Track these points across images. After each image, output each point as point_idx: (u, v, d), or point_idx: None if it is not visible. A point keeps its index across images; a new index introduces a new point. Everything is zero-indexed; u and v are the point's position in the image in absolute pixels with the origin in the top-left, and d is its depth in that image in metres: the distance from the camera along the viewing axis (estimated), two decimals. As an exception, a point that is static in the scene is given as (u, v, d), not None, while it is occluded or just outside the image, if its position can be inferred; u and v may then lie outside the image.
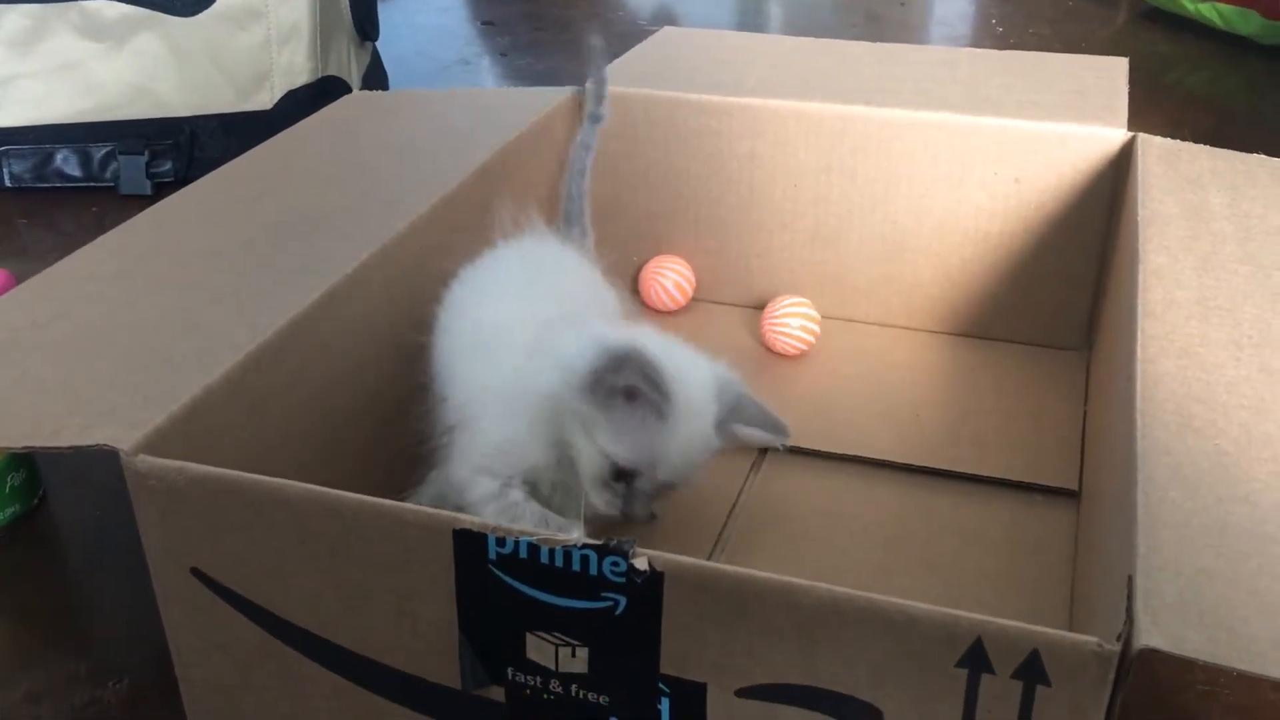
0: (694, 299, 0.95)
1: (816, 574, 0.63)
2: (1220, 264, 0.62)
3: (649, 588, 0.43)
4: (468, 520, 0.45)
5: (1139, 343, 0.55)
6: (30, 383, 0.55)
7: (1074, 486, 0.72)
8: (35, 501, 0.75)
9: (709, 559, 0.67)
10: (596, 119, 0.86)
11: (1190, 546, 0.43)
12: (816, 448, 0.77)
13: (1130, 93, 0.94)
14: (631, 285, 0.94)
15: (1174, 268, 0.62)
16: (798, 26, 1.90)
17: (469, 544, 0.45)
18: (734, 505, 0.72)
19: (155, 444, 0.50)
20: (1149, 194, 0.70)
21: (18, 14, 1.15)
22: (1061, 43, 1.68)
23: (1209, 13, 1.65)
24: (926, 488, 0.74)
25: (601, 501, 0.58)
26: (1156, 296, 0.59)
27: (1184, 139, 0.79)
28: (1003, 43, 1.70)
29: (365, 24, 1.32)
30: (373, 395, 0.68)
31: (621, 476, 0.57)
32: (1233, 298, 0.59)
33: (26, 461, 0.73)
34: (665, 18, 1.89)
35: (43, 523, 0.74)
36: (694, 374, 0.60)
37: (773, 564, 0.66)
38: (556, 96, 0.90)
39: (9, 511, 0.72)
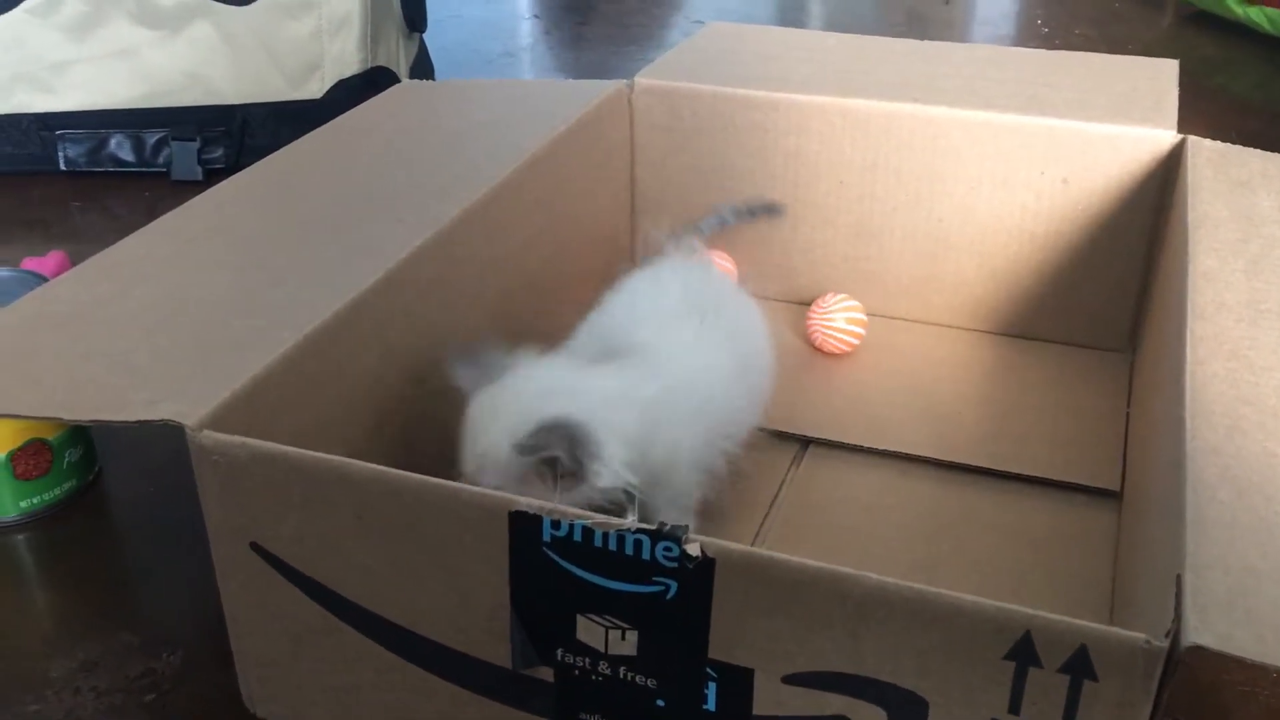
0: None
1: (856, 567, 0.64)
2: (1271, 267, 0.62)
3: (700, 573, 0.44)
4: (524, 502, 0.46)
5: (1188, 344, 0.55)
6: (95, 357, 0.57)
7: (1115, 487, 0.72)
8: (91, 477, 0.76)
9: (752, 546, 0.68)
10: (723, 221, 0.91)
11: (1238, 546, 0.43)
12: (858, 443, 0.77)
13: (1175, 96, 0.94)
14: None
15: (1223, 270, 0.62)
16: (839, 24, 1.90)
17: (524, 526, 0.46)
18: (775, 497, 0.73)
19: (218, 420, 0.51)
20: (1198, 196, 0.70)
21: (76, 0, 1.17)
22: (1107, 44, 1.68)
23: (1257, 16, 1.64)
24: (967, 485, 0.74)
25: None
26: (1206, 299, 0.59)
27: (1229, 143, 0.79)
28: (1047, 43, 1.70)
29: (414, 16, 1.33)
30: (421, 377, 0.69)
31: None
32: (1283, 302, 0.59)
33: (83, 437, 0.75)
34: (709, 14, 1.90)
35: (99, 497, 0.76)
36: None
37: (812, 556, 0.67)
38: (605, 89, 0.90)
39: (67, 486, 0.74)
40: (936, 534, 0.70)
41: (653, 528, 0.44)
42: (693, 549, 0.44)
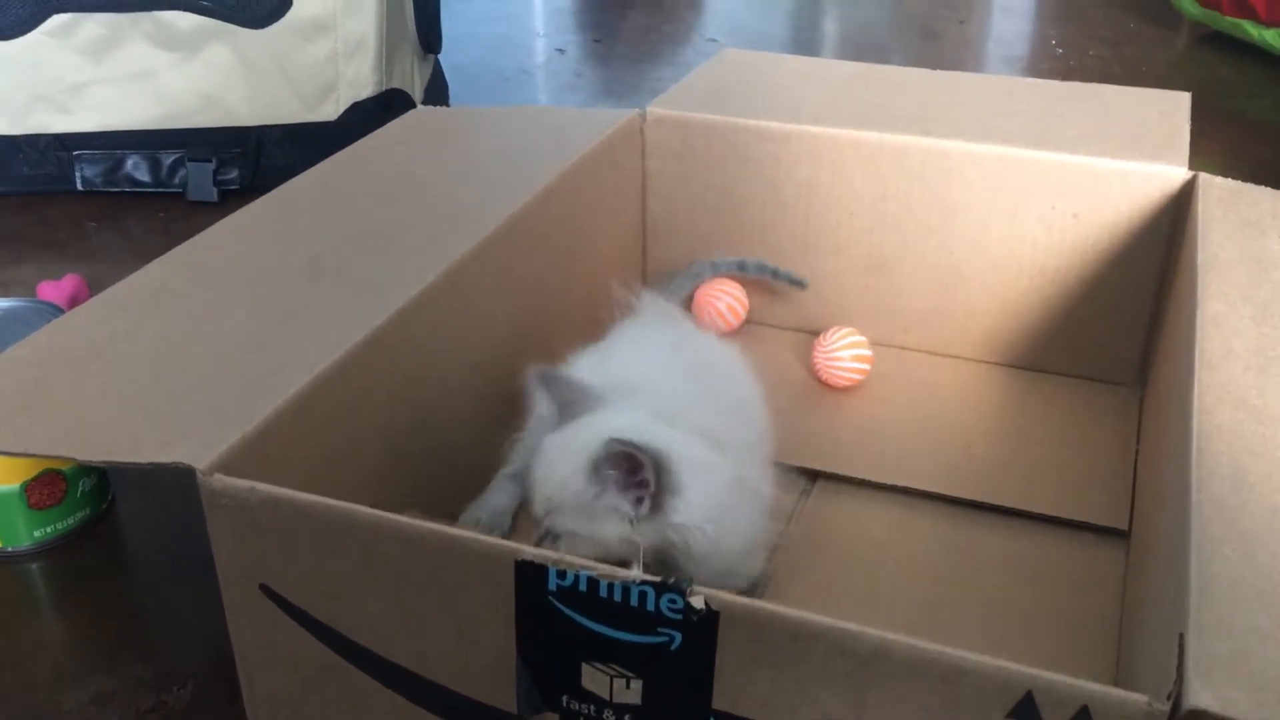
0: (747, 321, 0.96)
1: (862, 605, 0.64)
2: (1279, 312, 0.62)
3: (704, 626, 0.44)
4: (530, 552, 0.46)
5: (1195, 393, 0.55)
6: (109, 396, 0.57)
7: (1124, 526, 0.72)
8: (104, 506, 0.77)
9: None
10: (742, 267, 0.93)
11: (1242, 606, 0.43)
12: (866, 477, 0.77)
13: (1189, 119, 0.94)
14: (685, 305, 0.95)
15: (1232, 315, 0.62)
16: (853, 42, 1.90)
17: (530, 575, 0.46)
18: (783, 531, 0.73)
19: (229, 463, 0.52)
20: (1208, 237, 0.70)
21: (94, 22, 1.18)
22: (1121, 66, 1.67)
23: (1273, 39, 1.63)
24: (975, 521, 0.74)
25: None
26: (1214, 346, 0.59)
27: (1243, 169, 0.79)
28: (1062, 64, 1.70)
29: (429, 37, 1.34)
30: (432, 411, 0.69)
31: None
32: (1291, 348, 0.59)
33: (97, 467, 0.76)
34: (724, 32, 1.90)
35: (112, 526, 0.77)
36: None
37: (819, 592, 0.68)
38: (618, 117, 0.91)
39: (79, 516, 0.75)
40: (943, 572, 0.70)
41: (657, 580, 0.45)
42: (697, 602, 0.44)
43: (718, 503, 0.59)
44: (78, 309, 0.67)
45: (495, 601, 0.48)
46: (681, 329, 0.77)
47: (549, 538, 0.58)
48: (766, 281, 0.94)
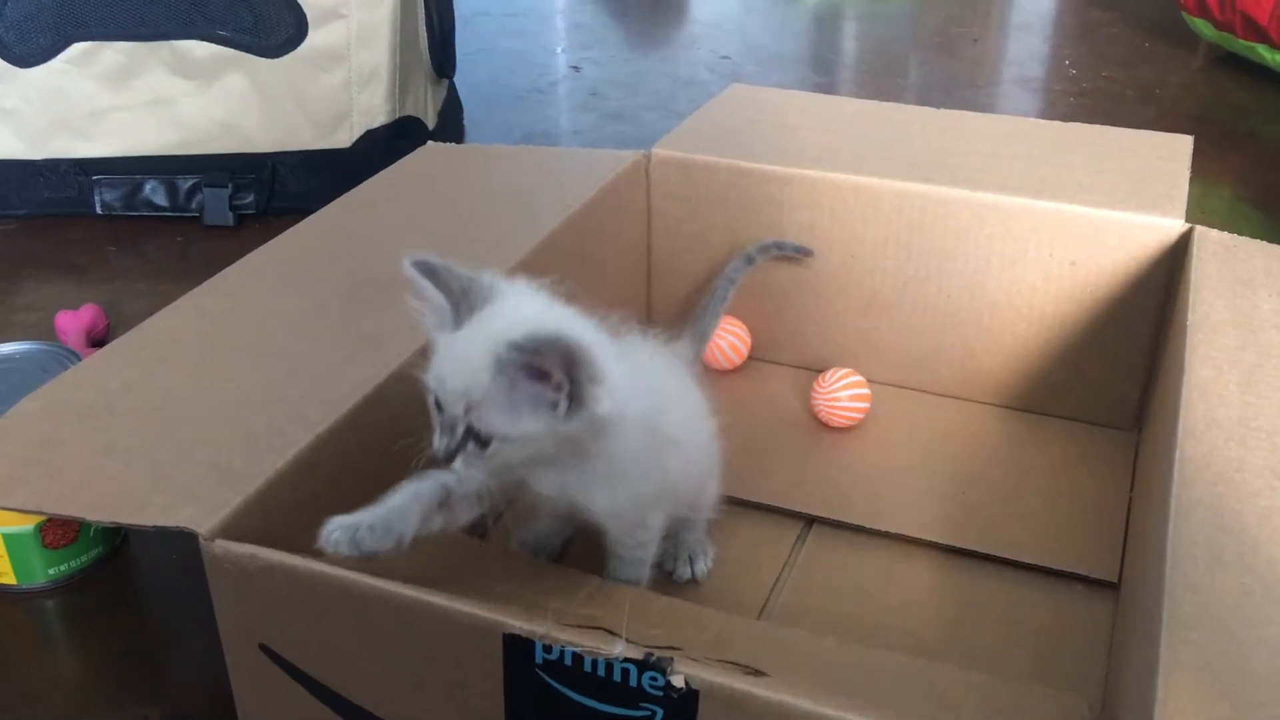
0: (750, 358, 0.97)
1: (853, 653, 0.65)
2: (1265, 379, 0.63)
3: (685, 702, 0.46)
4: (516, 626, 0.48)
5: (1176, 466, 0.56)
6: (117, 453, 0.59)
7: (1114, 579, 0.73)
8: (117, 543, 0.79)
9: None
10: (750, 260, 0.92)
11: (1209, 692, 0.44)
12: (861, 523, 0.79)
13: (1199, 144, 0.95)
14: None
15: (1218, 382, 0.63)
16: (869, 61, 1.91)
17: (517, 648, 0.48)
18: (779, 577, 0.75)
19: (230, 527, 0.54)
20: (1200, 295, 0.71)
21: (113, 50, 1.21)
22: (1135, 87, 1.67)
23: (1289, 62, 1.63)
24: (967, 570, 0.75)
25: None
26: (1198, 414, 0.60)
27: (1252, 195, 0.79)
28: (1074, 85, 1.70)
29: (443, 63, 1.36)
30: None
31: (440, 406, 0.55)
32: (1274, 419, 0.60)
33: (109, 505, 0.78)
34: (738, 50, 1.91)
35: (124, 563, 0.79)
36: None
37: (813, 641, 0.69)
38: (624, 159, 0.92)
39: (92, 554, 0.77)
40: (934, 622, 0.71)
41: (639, 657, 0.46)
42: (677, 680, 0.46)
43: (649, 386, 0.59)
44: (91, 358, 0.69)
45: (485, 670, 0.49)
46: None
47: (470, 436, 0.54)
48: (775, 257, 0.92)
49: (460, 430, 0.54)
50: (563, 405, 0.53)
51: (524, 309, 0.56)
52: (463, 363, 0.54)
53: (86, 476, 0.58)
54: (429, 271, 0.55)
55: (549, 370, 0.52)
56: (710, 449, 0.71)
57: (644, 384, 0.60)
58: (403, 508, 0.55)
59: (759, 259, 0.92)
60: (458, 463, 0.55)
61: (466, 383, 0.53)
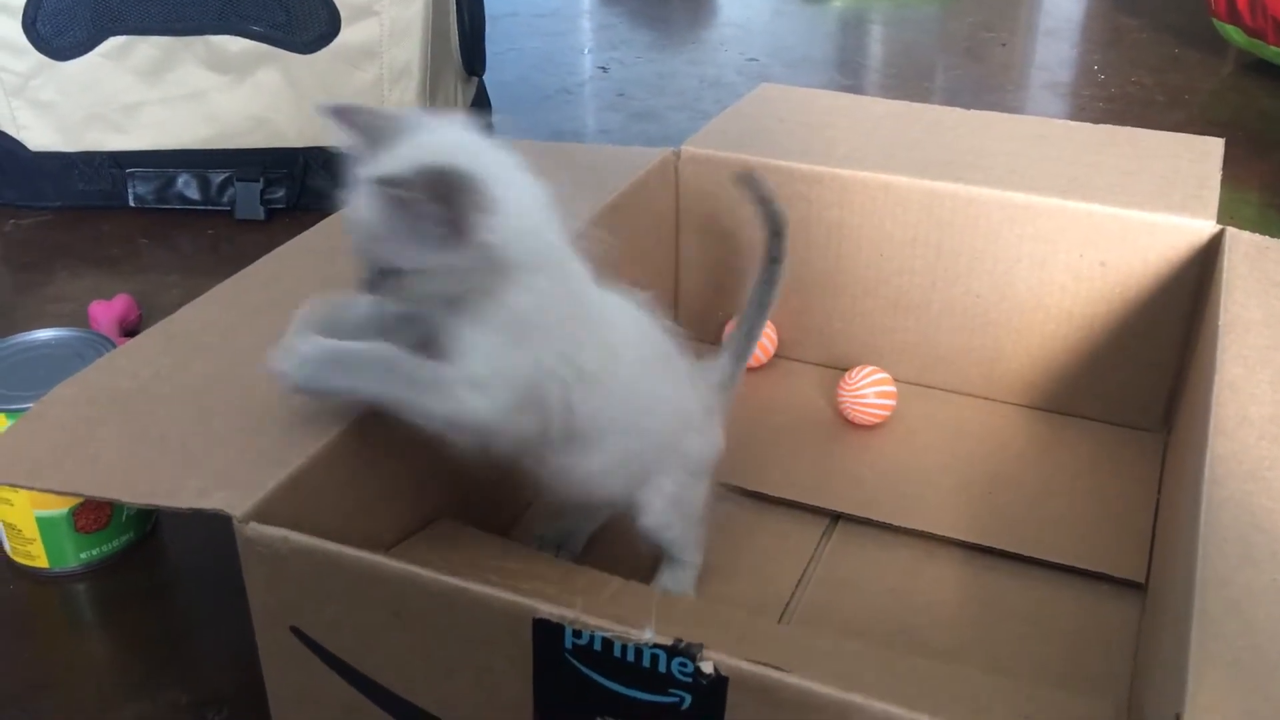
0: (776, 356, 0.97)
1: (878, 656, 0.66)
2: (1297, 379, 0.63)
3: (714, 689, 0.46)
4: (546, 611, 0.48)
5: (1208, 462, 0.56)
6: (152, 439, 0.60)
7: (1140, 579, 0.73)
8: (148, 530, 0.80)
9: (779, 623, 0.70)
10: (776, 259, 0.80)
11: (1240, 687, 0.44)
12: (888, 520, 0.79)
13: (1229, 150, 0.94)
14: (716, 340, 0.97)
15: (1250, 380, 0.62)
16: (894, 65, 1.91)
17: (547, 632, 0.48)
18: (803, 573, 0.75)
19: (264, 510, 0.54)
20: (1231, 296, 0.71)
21: (148, 45, 1.22)
22: (1164, 93, 1.67)
23: (1321, 69, 1.62)
24: (993, 569, 0.75)
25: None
26: (1230, 412, 0.60)
27: (1278, 210, 0.79)
28: (1103, 91, 1.69)
29: (473, 61, 1.36)
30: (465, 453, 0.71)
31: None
32: (1307, 418, 0.59)
33: (141, 491, 0.79)
34: (765, 52, 1.91)
35: (155, 550, 0.80)
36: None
37: (837, 640, 0.69)
38: (652, 156, 0.93)
39: (124, 538, 0.78)
40: (960, 621, 0.71)
41: (669, 643, 0.46)
42: (706, 667, 0.46)
43: (575, 293, 0.58)
44: (125, 346, 0.70)
45: (514, 655, 0.50)
46: None
47: (379, 274, 0.55)
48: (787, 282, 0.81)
49: (370, 266, 0.55)
50: (444, 233, 0.53)
51: (428, 140, 0.56)
52: (361, 200, 0.54)
53: (121, 461, 0.58)
54: (341, 114, 0.56)
55: (421, 200, 0.52)
56: (662, 415, 0.66)
57: (569, 285, 0.60)
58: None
59: (779, 251, 0.79)
60: (374, 295, 0.56)
61: (365, 219, 0.54)
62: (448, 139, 0.57)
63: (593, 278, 0.63)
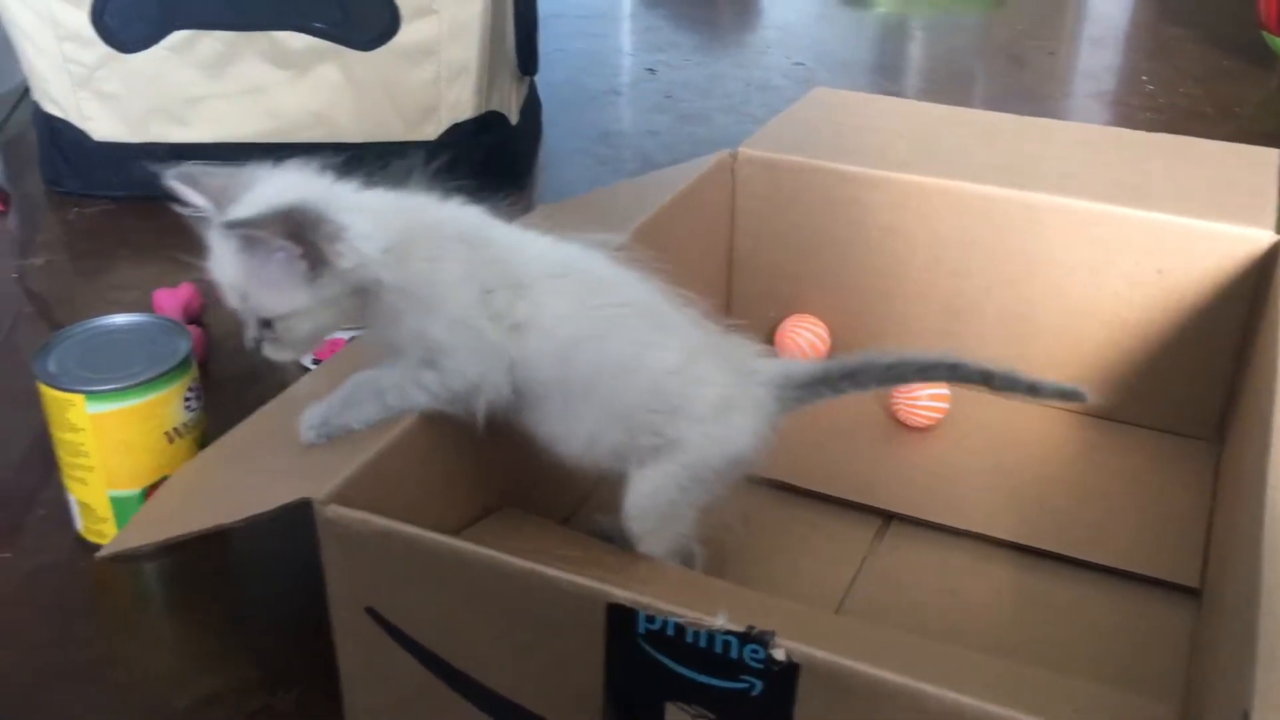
0: (829, 357, 0.98)
1: (931, 651, 0.66)
2: (1359, 389, 0.63)
3: (784, 676, 0.47)
4: (620, 595, 0.49)
5: (1270, 465, 0.56)
6: (257, 472, 0.63)
7: (1195, 584, 0.74)
8: (214, 512, 0.82)
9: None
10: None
11: (1306, 687, 0.45)
12: (941, 521, 0.79)
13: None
14: (768, 339, 0.98)
15: (1311, 389, 0.63)
16: (939, 71, 1.91)
17: (621, 617, 0.50)
18: (857, 572, 0.76)
19: (343, 494, 0.56)
20: (1292, 305, 0.71)
21: (212, 39, 1.24)
22: (1213, 104, 1.66)
23: (1373, 81, 1.61)
24: (1046, 571, 0.76)
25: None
26: (1291, 420, 0.60)
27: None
28: (1151, 102, 1.69)
29: (527, 61, 1.38)
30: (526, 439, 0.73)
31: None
32: (1368, 427, 0.60)
33: (209, 475, 0.80)
34: (810, 55, 1.92)
35: (227, 531, 0.81)
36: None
37: (891, 639, 0.70)
38: (710, 159, 0.94)
39: (192, 521, 0.80)
40: (1012, 622, 0.72)
41: (741, 629, 0.47)
42: (778, 654, 0.47)
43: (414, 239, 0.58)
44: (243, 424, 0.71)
45: (587, 639, 0.51)
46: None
47: (259, 325, 0.58)
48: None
49: (251, 320, 0.57)
50: (305, 270, 0.55)
51: (270, 186, 0.58)
52: (220, 257, 0.57)
53: (227, 495, 0.62)
54: (187, 179, 0.58)
55: (275, 240, 0.54)
56: (624, 383, 0.62)
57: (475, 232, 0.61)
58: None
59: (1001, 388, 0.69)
60: (266, 350, 0.59)
61: (228, 274, 0.56)
62: (287, 181, 0.59)
63: (526, 236, 0.64)
